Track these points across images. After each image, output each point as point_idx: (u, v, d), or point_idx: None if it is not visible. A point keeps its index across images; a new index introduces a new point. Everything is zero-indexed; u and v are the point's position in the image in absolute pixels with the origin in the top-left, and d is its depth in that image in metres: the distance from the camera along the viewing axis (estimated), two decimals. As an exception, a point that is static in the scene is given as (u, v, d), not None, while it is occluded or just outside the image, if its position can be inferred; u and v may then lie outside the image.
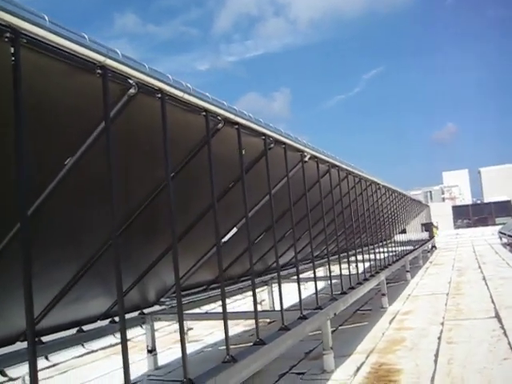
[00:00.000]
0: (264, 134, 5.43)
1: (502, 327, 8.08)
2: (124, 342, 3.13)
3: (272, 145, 5.75)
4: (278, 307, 8.27)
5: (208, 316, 8.16)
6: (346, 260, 9.49)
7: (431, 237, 33.38)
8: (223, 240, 7.16)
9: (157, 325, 8.72)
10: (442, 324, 8.87)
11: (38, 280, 4.56)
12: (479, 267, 18.25)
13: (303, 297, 6.41)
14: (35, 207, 3.76)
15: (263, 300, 11.97)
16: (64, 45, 2.83)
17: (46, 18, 2.69)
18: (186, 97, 3.95)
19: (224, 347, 4.38)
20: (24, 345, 4.94)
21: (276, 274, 6.31)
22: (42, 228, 4.12)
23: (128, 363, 3.10)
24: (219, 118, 4.59)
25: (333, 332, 8.02)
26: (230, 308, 12.12)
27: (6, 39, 2.61)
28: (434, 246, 32.94)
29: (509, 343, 7.03)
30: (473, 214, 56.68)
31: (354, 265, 10.04)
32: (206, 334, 9.86)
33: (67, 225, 4.39)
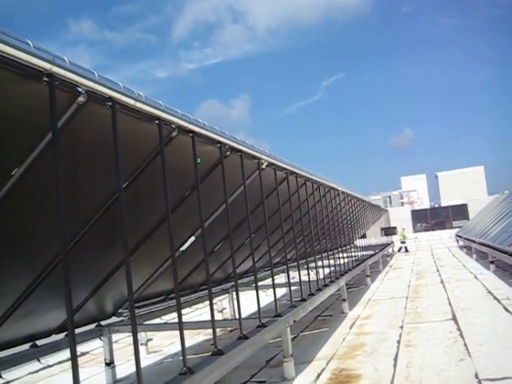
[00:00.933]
0: (219, 142, 5.40)
1: (459, 329, 8.23)
2: (74, 357, 3.04)
3: (228, 153, 5.71)
4: (243, 314, 8.27)
5: (166, 327, 8.05)
6: (305, 266, 9.52)
7: (402, 242, 34.07)
8: (181, 249, 7.09)
9: (116, 336, 8.57)
10: (401, 327, 8.97)
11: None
12: (437, 270, 18.58)
13: (265, 304, 6.39)
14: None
15: (224, 308, 11.92)
16: (7, 51, 2.73)
17: (-14, 24, 2.59)
18: (138, 105, 3.88)
19: (184, 358, 4.31)
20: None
21: (234, 282, 6.27)
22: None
23: (78, 380, 3.01)
24: (173, 126, 4.53)
25: (293, 339, 8.02)
26: (190, 317, 12.04)
27: None
28: (406, 250, 33.48)
29: (465, 344, 7.15)
30: (431, 218, 57.71)
31: (314, 271, 10.08)
32: (166, 344, 9.73)
33: (18, 236, 4.26)
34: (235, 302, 11.09)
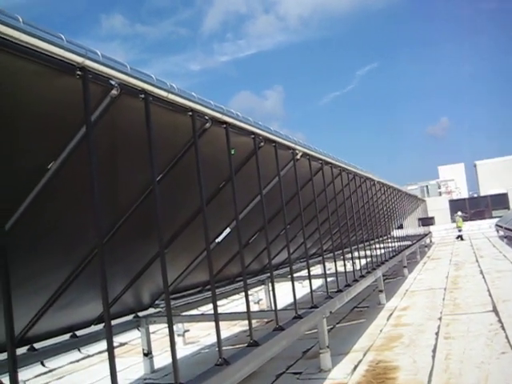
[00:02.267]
0: (253, 133, 5.37)
1: (500, 321, 8.04)
2: (111, 348, 3.07)
3: (262, 143, 5.68)
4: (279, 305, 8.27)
5: (202, 318, 8.09)
6: (342, 257, 9.45)
7: (459, 230, 33.44)
8: (217, 240, 7.11)
9: (154, 327, 8.67)
10: (440, 319, 8.83)
11: (29, 286, 4.50)
12: (476, 261, 18.23)
13: (301, 295, 6.37)
14: (23, 210, 3.70)
15: (260, 299, 11.93)
16: (40, 46, 2.76)
17: (20, 18, 2.61)
18: (171, 97, 3.88)
19: (221, 348, 4.32)
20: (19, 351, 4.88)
21: (270, 273, 6.25)
22: (31, 233, 4.06)
23: (115, 370, 3.05)
24: (206, 117, 4.53)
25: (330, 330, 7.98)
26: (227, 308, 12.09)
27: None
28: (460, 237, 32.82)
29: (506, 337, 6.99)
30: (470, 208, 56.61)
31: (351, 262, 10.00)
32: (203, 335, 9.80)
33: (56, 229, 4.32)
34: (271, 293, 11.14)
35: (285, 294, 9.68)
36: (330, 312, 7.13)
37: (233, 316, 7.59)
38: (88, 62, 3.09)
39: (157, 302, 7.33)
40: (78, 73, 3.11)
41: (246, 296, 5.00)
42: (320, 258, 12.59)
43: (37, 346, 5.43)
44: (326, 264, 9.30)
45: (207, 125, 4.59)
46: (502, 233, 29.50)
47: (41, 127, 3.31)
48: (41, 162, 3.53)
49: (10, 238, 3.65)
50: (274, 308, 5.71)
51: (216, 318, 4.32)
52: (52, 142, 3.50)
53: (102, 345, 6.97)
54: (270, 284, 11.17)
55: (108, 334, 3.14)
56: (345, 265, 9.14)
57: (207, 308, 8.87)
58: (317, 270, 14.97)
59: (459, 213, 36.63)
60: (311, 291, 6.85)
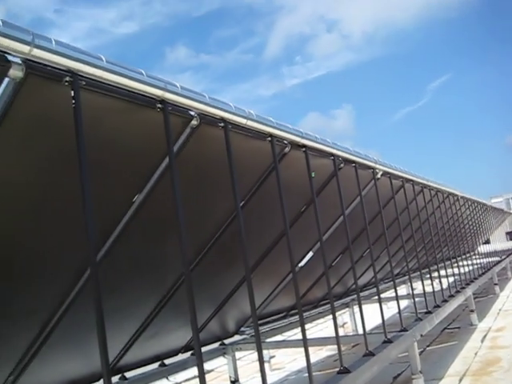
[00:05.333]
0: (332, 154, 5.31)
1: None
2: (202, 375, 3.04)
3: (342, 164, 5.61)
4: (360, 330, 7.98)
5: (290, 343, 7.98)
6: (428, 276, 9.12)
7: None
8: (300, 265, 7.03)
9: (239, 353, 8.65)
10: (540, 340, 8.30)
11: (118, 317, 4.59)
12: None
13: (386, 317, 6.16)
14: (111, 242, 3.79)
15: (345, 323, 11.67)
16: (122, 82, 2.83)
17: (103, 57, 2.69)
18: (250, 123, 3.89)
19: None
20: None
21: (356, 296, 6.09)
22: (119, 263, 4.14)
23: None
24: (285, 141, 4.51)
25: (420, 353, 7.65)
26: (311, 333, 11.90)
27: (66, 83, 2.63)
28: None
29: None
30: (561, 218, 53.66)
31: (437, 281, 9.62)
32: (288, 360, 9.67)
33: (143, 260, 4.40)
34: (356, 316, 10.90)
35: (369, 316, 9.43)
36: (421, 335, 6.85)
37: (321, 341, 7.42)
38: (168, 95, 3.14)
39: (242, 328, 7.30)
40: (159, 106, 3.17)
41: (334, 320, 4.88)
42: (404, 278, 12.24)
43: (127, 374, 5.53)
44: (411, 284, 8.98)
45: (286, 149, 4.57)
46: None
47: (126, 161, 3.39)
48: (127, 195, 3.60)
49: (100, 269, 3.73)
50: (362, 332, 5.55)
51: (305, 343, 4.22)
52: (136, 175, 3.57)
53: (189, 373, 7.02)
54: (354, 307, 10.97)
55: (199, 361, 3.13)
56: (432, 284, 8.79)
57: (291, 333, 8.76)
58: (400, 290, 14.55)
59: None
60: (399, 313, 6.62)
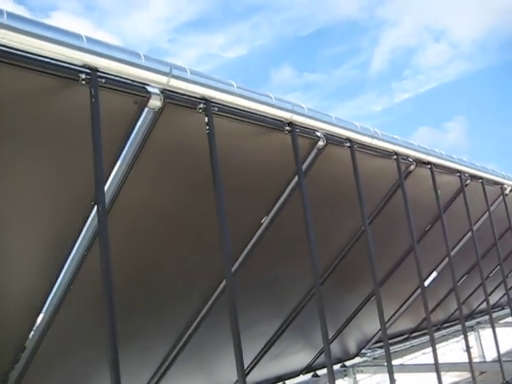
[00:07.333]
0: (459, 171, 5.14)
1: None
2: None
3: (468, 181, 5.42)
4: (488, 356, 7.57)
5: (416, 368, 7.66)
6: None
7: None
8: (424, 284, 6.82)
9: (360, 375, 8.44)
10: None
11: (247, 334, 4.66)
12: None
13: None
14: (239, 263, 3.88)
15: (471, 347, 11.09)
16: (252, 107, 2.92)
17: (234, 84, 2.79)
18: (375, 142, 3.86)
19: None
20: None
21: (482, 318, 5.79)
22: (247, 282, 4.22)
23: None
24: (410, 159, 4.43)
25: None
26: (430, 357, 11.39)
27: (200, 110, 2.74)
28: None
29: None
30: None
31: None
32: (412, 385, 9.30)
33: (268, 281, 4.45)
34: (482, 339, 10.29)
35: (491, 340, 8.83)
36: None
37: (451, 366, 6.95)
38: (296, 117, 3.19)
39: (363, 350, 7.17)
40: (287, 128, 3.22)
41: (467, 344, 4.68)
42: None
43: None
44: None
45: (412, 167, 4.48)
46: None
47: (255, 184, 3.46)
48: (255, 218, 3.68)
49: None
50: (488, 356, 5.24)
51: (437, 367, 4.07)
52: (264, 197, 3.64)
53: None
54: (479, 330, 10.39)
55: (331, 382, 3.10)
56: None
57: (411, 357, 8.44)
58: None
59: None
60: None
